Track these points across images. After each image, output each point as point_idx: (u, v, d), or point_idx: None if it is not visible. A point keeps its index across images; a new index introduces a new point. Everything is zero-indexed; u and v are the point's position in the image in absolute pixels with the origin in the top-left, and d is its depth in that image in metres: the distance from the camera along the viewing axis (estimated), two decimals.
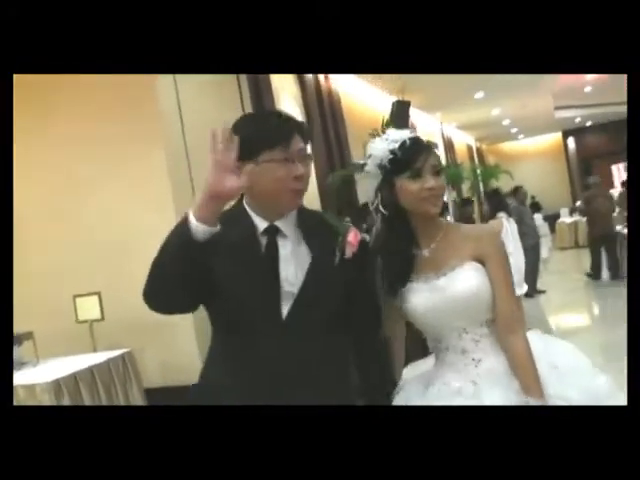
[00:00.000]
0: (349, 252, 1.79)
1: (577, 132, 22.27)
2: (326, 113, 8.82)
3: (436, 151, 2.06)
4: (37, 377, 4.23)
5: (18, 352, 4.80)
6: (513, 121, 18.68)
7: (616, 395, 1.96)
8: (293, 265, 1.77)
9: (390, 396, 1.93)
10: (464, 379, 1.91)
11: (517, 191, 10.00)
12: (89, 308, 4.98)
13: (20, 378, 4.31)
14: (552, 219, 16.77)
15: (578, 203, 15.90)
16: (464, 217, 6.97)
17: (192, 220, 1.56)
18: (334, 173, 8.00)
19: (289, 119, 1.80)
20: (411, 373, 2.15)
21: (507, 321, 1.91)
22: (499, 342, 1.93)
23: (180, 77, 5.34)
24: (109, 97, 5.32)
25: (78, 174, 5.48)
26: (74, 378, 4.23)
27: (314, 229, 1.83)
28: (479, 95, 13.40)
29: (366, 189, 2.08)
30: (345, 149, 9.10)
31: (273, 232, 1.78)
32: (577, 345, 2.16)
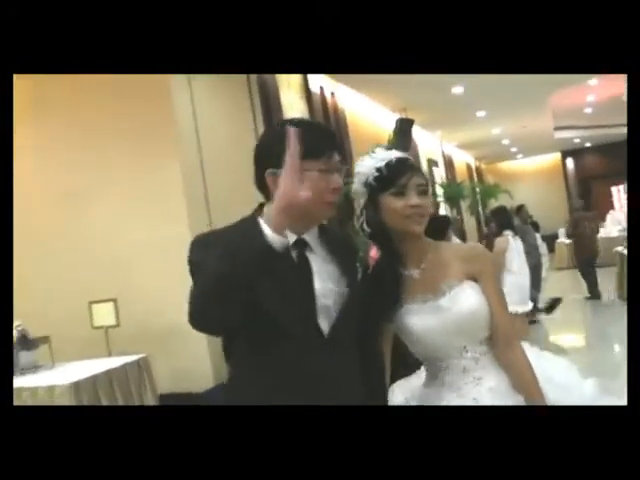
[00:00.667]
0: (371, 267, 1.84)
1: (576, 153, 22.42)
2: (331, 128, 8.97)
3: (429, 171, 2.16)
4: (57, 379, 4.34)
5: (34, 355, 4.92)
6: (512, 140, 18.86)
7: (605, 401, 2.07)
8: (324, 279, 1.74)
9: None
10: (465, 398, 1.92)
11: (520, 210, 10.10)
12: (104, 314, 5.10)
13: (39, 380, 4.44)
14: (550, 239, 16.90)
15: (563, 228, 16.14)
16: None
17: (268, 232, 1.52)
18: None
19: (330, 130, 1.83)
20: (399, 392, 2.17)
21: (506, 336, 1.95)
22: (497, 358, 1.96)
23: (196, 91, 5.51)
24: (125, 109, 5.48)
25: (94, 184, 5.62)
26: (92, 381, 4.34)
27: (336, 244, 1.82)
28: (480, 114, 13.59)
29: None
30: (350, 164, 9.25)
31: (302, 245, 1.75)
32: (574, 363, 2.27)
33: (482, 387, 1.93)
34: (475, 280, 1.97)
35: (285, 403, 1.63)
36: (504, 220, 7.00)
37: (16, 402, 4.28)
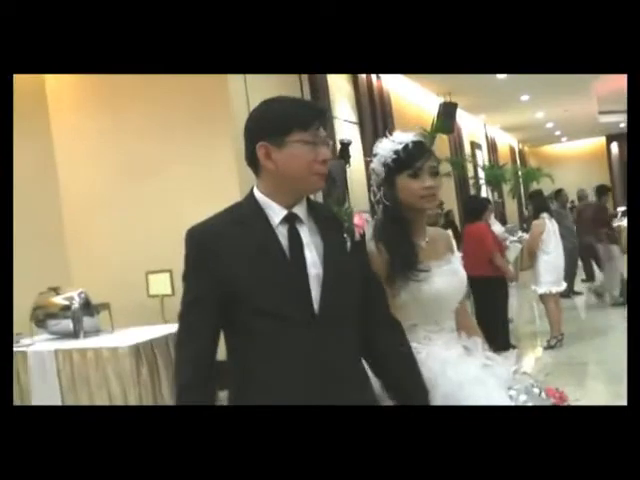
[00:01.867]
0: (357, 235, 1.85)
1: (621, 137, 22.21)
2: (377, 111, 9.21)
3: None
4: (118, 341, 4.70)
5: (96, 320, 5.29)
6: (557, 124, 18.80)
7: None
8: (314, 250, 1.76)
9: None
10: (452, 350, 2.14)
11: (559, 194, 10.23)
12: (160, 284, 5.45)
13: (102, 341, 4.81)
14: None
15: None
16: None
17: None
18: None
19: (317, 104, 1.94)
20: None
21: (464, 309, 2.40)
22: (458, 320, 2.30)
23: (250, 77, 5.79)
24: (185, 100, 5.85)
25: (155, 165, 5.97)
26: (150, 344, 4.69)
27: (323, 216, 1.85)
28: (524, 98, 13.64)
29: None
30: None
31: (293, 219, 1.77)
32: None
33: (459, 345, 2.18)
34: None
35: (283, 380, 1.69)
36: (540, 203, 7.20)
37: (81, 361, 4.67)
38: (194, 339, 1.73)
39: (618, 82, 13.53)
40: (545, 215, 6.96)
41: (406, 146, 2.12)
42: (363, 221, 1.91)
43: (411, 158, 2.10)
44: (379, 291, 1.93)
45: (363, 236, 1.89)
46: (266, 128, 1.72)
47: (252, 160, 1.78)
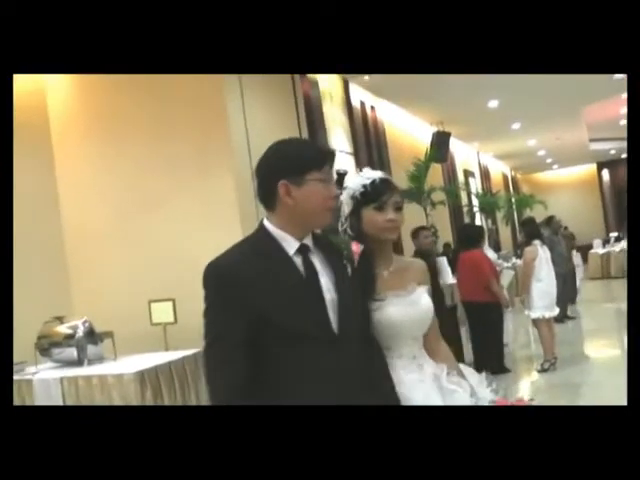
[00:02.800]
0: (356, 262, 2.07)
1: (612, 164, 22.48)
2: (372, 141, 9.40)
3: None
4: (123, 368, 4.81)
5: (99, 349, 5.39)
6: (548, 152, 19.05)
7: None
8: (326, 277, 1.90)
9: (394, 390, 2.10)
10: (412, 375, 2.23)
11: (550, 220, 10.38)
12: (163, 312, 5.56)
13: (107, 368, 4.92)
14: (585, 250, 17.02)
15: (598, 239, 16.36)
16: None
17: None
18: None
19: (327, 147, 2.12)
20: None
21: (437, 330, 2.39)
22: (429, 346, 2.34)
23: (248, 102, 5.97)
24: (181, 118, 6.00)
25: (153, 194, 6.12)
26: (155, 371, 4.80)
27: (327, 246, 2.00)
28: (516, 126, 13.88)
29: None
30: (389, 175, 9.67)
31: (305, 250, 1.90)
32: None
33: (425, 372, 2.25)
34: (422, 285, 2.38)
35: (308, 402, 1.73)
36: (532, 230, 7.36)
37: (86, 388, 4.77)
38: (223, 369, 1.77)
39: (608, 110, 13.80)
40: (537, 242, 7.11)
41: (373, 181, 2.25)
42: (359, 249, 2.12)
43: (377, 192, 2.23)
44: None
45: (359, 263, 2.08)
46: (286, 168, 1.85)
47: (268, 196, 1.89)
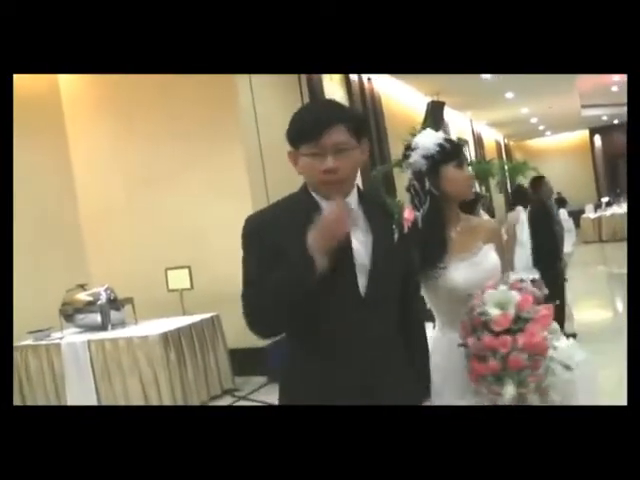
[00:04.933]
0: (405, 228, 1.90)
1: (604, 130, 22.67)
2: (369, 113, 9.66)
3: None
4: (147, 331, 5.18)
5: (121, 314, 5.75)
6: (541, 119, 19.23)
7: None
8: (362, 242, 1.82)
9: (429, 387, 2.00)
10: None
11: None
12: (179, 279, 5.90)
13: (130, 331, 5.29)
14: (577, 214, 17.33)
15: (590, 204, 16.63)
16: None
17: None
18: (377, 168, 8.91)
19: (325, 111, 1.82)
20: None
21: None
22: None
23: (255, 79, 6.28)
24: (191, 96, 6.32)
25: (173, 169, 6.47)
26: (177, 333, 5.16)
27: (373, 208, 1.89)
28: (509, 95, 14.12)
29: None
30: (385, 145, 9.99)
31: None
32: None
33: None
34: (492, 244, 2.34)
35: (329, 367, 1.76)
36: (516, 197, 7.70)
37: (113, 349, 5.13)
38: (258, 314, 1.78)
39: (600, 77, 14.06)
40: (520, 208, 7.42)
41: (449, 139, 2.29)
42: (412, 215, 2.04)
43: (457, 150, 2.26)
44: (416, 288, 2.08)
45: (410, 230, 1.95)
46: (288, 138, 1.83)
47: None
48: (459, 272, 2.21)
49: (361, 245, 1.82)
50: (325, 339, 1.79)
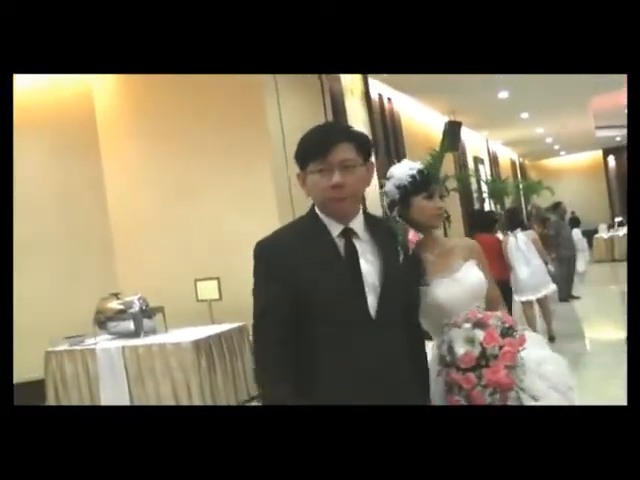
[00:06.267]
0: (410, 249, 1.99)
1: (618, 151, 22.81)
2: (389, 132, 9.95)
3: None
4: (179, 338, 5.44)
5: (152, 322, 6.00)
6: (555, 139, 19.44)
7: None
8: (370, 263, 1.87)
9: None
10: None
11: (558, 206, 10.91)
12: (208, 290, 6.16)
13: (163, 339, 5.57)
14: (590, 234, 17.46)
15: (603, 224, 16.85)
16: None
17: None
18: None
19: (331, 131, 1.91)
20: None
21: (495, 303, 2.41)
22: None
23: (283, 98, 6.58)
24: (222, 114, 6.62)
25: (195, 184, 6.80)
26: (208, 341, 5.41)
27: (379, 230, 1.94)
28: (524, 115, 14.36)
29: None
30: None
31: (348, 234, 1.87)
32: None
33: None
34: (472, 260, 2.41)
35: (341, 384, 1.79)
36: (514, 219, 7.83)
37: (146, 355, 5.38)
38: (267, 347, 1.83)
39: (614, 99, 14.24)
40: (508, 232, 7.52)
41: (421, 171, 2.36)
42: (417, 237, 2.15)
43: (427, 182, 2.35)
44: (417, 306, 2.14)
45: (414, 251, 2.08)
46: (296, 160, 1.90)
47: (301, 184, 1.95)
48: (441, 288, 2.29)
49: (370, 266, 1.87)
50: (336, 361, 1.80)
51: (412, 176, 2.34)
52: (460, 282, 2.31)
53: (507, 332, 2.10)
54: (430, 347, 2.28)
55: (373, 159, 1.97)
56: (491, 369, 2.02)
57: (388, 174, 2.40)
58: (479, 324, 2.10)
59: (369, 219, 1.95)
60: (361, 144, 1.88)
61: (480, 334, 2.07)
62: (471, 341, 2.07)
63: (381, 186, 2.43)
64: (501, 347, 2.05)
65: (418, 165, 2.41)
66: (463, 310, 2.20)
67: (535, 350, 2.24)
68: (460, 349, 2.07)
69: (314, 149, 1.82)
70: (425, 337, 2.19)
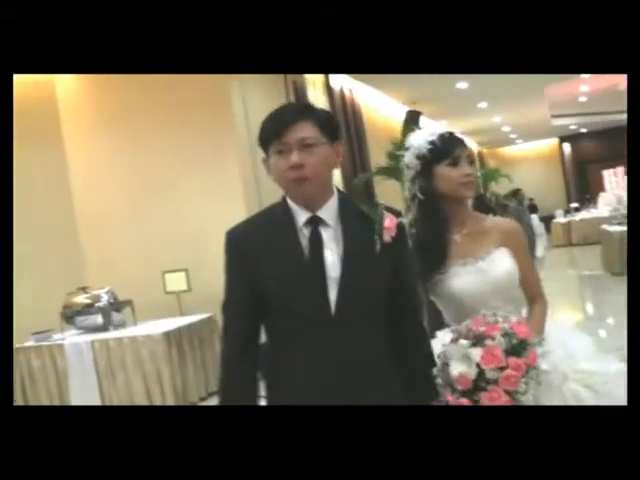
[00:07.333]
0: (387, 237, 1.75)
1: (573, 138, 23.25)
2: (350, 121, 10.02)
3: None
4: (149, 330, 5.45)
5: (121, 316, 5.99)
6: (512, 127, 19.77)
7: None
8: (337, 254, 1.72)
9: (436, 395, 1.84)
10: None
11: (516, 193, 11.17)
12: (176, 282, 6.17)
13: (132, 332, 5.56)
14: (547, 220, 17.79)
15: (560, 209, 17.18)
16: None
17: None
18: (359, 176, 9.27)
19: (289, 110, 1.78)
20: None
21: (533, 291, 2.17)
22: (528, 309, 2.13)
23: (248, 90, 6.63)
24: (188, 107, 6.63)
25: (162, 176, 6.79)
26: (179, 332, 5.44)
27: (352, 217, 1.78)
28: (482, 105, 14.57)
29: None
30: (365, 153, 10.35)
31: (315, 222, 1.74)
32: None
33: None
34: (507, 248, 2.10)
35: (300, 381, 1.72)
36: (479, 204, 8.05)
37: (117, 349, 5.39)
38: (232, 336, 1.80)
39: (568, 89, 14.56)
40: None
41: (441, 135, 2.09)
42: (394, 224, 1.77)
43: (449, 147, 2.08)
44: (409, 298, 1.87)
45: (394, 238, 1.76)
46: (260, 145, 1.78)
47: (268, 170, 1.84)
48: (459, 279, 2.06)
49: (337, 257, 1.73)
50: (295, 359, 1.74)
51: (431, 142, 2.08)
52: (482, 273, 2.05)
53: (515, 349, 1.77)
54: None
55: (341, 140, 1.84)
56: (489, 394, 1.74)
57: (406, 144, 2.17)
58: (479, 338, 1.79)
59: (345, 205, 1.79)
60: (324, 122, 1.75)
61: (478, 353, 1.76)
62: (467, 360, 1.77)
63: (343, 173, 2.14)
64: (503, 368, 1.74)
65: (440, 128, 2.17)
66: (486, 304, 1.92)
67: (563, 356, 2.01)
68: (454, 369, 1.78)
69: (272, 129, 1.72)
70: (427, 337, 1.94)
